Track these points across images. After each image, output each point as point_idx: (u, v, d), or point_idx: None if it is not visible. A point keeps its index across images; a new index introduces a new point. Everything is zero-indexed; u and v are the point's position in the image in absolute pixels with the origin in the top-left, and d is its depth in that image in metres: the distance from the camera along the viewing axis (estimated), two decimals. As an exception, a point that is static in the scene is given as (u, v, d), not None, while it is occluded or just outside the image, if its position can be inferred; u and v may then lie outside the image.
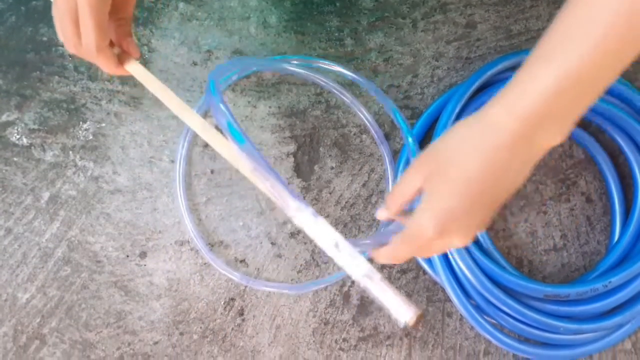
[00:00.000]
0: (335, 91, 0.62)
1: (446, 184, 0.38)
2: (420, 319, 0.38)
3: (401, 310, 0.37)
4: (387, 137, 0.62)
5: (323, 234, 0.38)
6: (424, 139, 0.62)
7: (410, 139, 0.58)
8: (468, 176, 0.37)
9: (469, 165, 0.37)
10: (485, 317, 0.58)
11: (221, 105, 0.39)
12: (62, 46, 0.63)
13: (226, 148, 0.46)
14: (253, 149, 0.39)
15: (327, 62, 0.61)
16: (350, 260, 0.38)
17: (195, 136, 0.62)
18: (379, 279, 0.38)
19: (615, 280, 0.56)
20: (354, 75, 0.60)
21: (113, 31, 0.49)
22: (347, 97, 0.62)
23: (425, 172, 0.39)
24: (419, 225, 0.39)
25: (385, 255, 0.42)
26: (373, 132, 0.61)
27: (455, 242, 0.40)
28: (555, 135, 0.36)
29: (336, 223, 0.61)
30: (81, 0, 0.42)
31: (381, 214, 0.44)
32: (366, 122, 0.62)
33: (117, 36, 0.49)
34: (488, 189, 0.37)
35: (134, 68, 0.49)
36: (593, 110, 0.61)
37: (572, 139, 0.63)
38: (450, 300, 0.60)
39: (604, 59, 0.32)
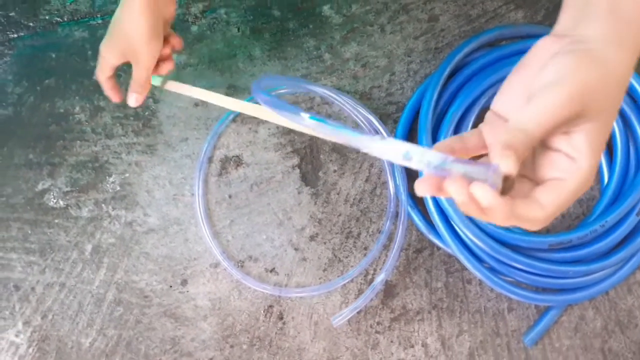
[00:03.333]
0: (332, 98, 0.68)
1: (602, 120, 0.34)
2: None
3: (485, 172, 0.34)
4: (377, 132, 0.68)
5: (390, 150, 0.36)
6: (412, 128, 0.68)
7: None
8: (615, 107, 0.35)
9: (618, 96, 0.35)
10: (501, 277, 0.63)
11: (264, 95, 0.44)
12: (79, 114, 0.71)
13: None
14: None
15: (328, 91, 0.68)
16: (421, 162, 0.35)
17: (208, 167, 0.68)
18: (452, 160, 0.34)
19: (611, 219, 0.61)
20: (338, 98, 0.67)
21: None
22: (343, 103, 0.68)
23: (574, 113, 0.34)
24: (591, 165, 0.35)
25: (551, 212, 0.35)
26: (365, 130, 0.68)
27: None
28: None
29: (349, 219, 0.67)
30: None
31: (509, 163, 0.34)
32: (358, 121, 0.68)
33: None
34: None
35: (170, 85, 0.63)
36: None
37: (546, 100, 0.69)
38: (466, 269, 0.65)
39: None
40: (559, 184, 0.36)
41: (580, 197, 0.66)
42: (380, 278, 0.64)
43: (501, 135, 0.35)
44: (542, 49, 0.38)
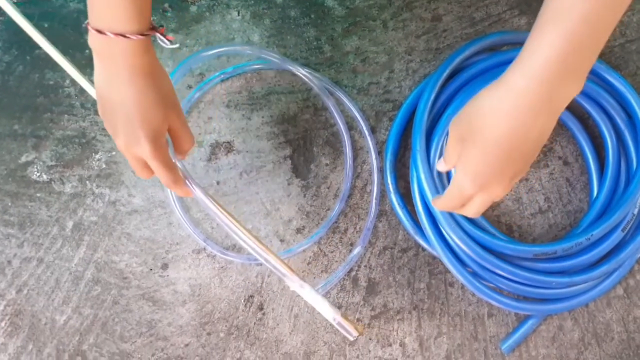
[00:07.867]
0: (323, 94, 0.67)
1: (477, 146, 0.42)
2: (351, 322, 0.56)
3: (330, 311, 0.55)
4: (373, 130, 0.67)
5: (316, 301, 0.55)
6: (406, 128, 0.67)
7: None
8: (497, 137, 0.41)
9: (496, 128, 0.41)
10: (483, 282, 0.63)
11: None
12: (69, 87, 0.69)
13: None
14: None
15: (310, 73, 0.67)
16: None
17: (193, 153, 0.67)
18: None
19: (597, 233, 0.61)
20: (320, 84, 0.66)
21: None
22: (335, 97, 0.67)
23: (459, 137, 0.45)
24: (458, 183, 0.45)
25: (441, 206, 0.51)
26: (362, 125, 0.67)
27: (496, 193, 0.45)
28: (572, 88, 0.39)
29: (337, 214, 0.66)
30: (150, 159, 0.49)
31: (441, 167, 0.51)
32: (356, 115, 0.67)
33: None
34: (517, 146, 0.41)
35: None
36: (559, 80, 0.66)
37: (542, 109, 0.69)
38: (449, 272, 0.65)
39: (603, 11, 0.36)
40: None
41: (568, 209, 0.66)
42: (357, 250, 0.64)
43: (446, 194, 0.49)
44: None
